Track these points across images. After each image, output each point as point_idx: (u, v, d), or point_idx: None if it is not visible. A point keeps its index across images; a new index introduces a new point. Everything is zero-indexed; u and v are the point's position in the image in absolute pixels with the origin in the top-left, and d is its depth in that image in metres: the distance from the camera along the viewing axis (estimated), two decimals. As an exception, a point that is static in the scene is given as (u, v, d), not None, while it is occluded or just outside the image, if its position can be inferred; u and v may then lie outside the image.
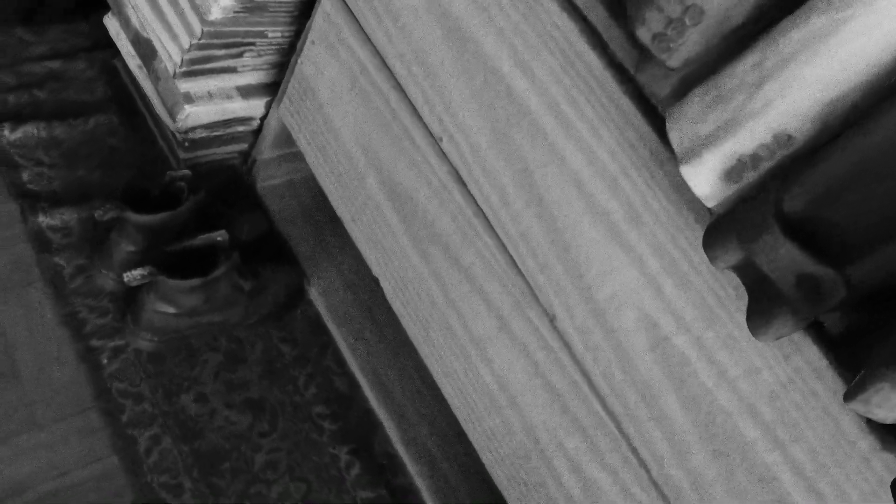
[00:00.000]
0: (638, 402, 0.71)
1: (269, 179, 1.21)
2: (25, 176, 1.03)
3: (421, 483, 1.05)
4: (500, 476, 0.90)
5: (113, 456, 0.90)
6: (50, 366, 0.92)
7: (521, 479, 0.87)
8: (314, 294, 1.15)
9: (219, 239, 0.92)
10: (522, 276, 0.79)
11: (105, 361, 0.95)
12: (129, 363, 0.97)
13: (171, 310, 0.93)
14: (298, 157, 1.22)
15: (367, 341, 1.14)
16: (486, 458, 0.91)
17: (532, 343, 0.80)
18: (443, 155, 0.83)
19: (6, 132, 1.04)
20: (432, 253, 0.89)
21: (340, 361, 1.11)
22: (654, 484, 0.72)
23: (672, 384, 0.68)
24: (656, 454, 0.71)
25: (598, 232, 0.70)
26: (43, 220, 1.00)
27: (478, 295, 0.84)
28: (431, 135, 0.84)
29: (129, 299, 0.98)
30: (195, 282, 0.90)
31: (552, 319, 0.77)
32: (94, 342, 0.96)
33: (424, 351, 0.94)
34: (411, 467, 1.06)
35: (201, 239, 0.92)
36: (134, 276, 0.85)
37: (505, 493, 0.90)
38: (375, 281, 1.21)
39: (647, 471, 0.72)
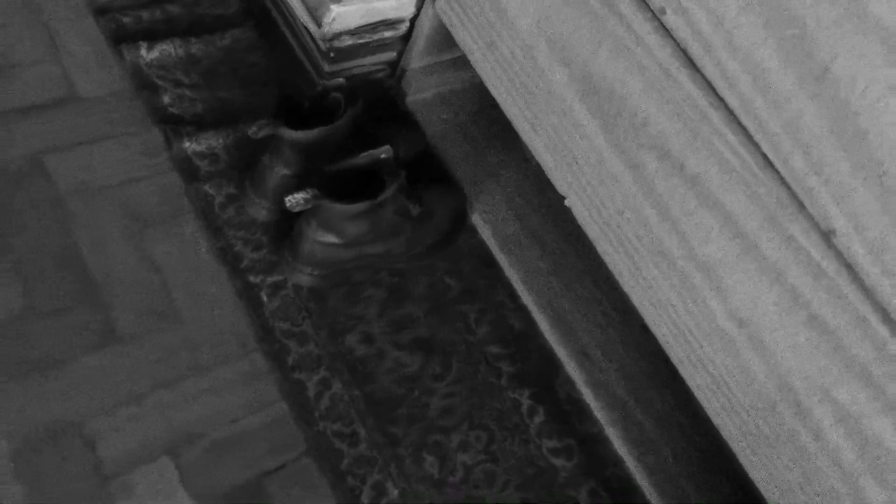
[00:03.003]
0: (966, 340, 0.53)
1: (419, 92, 1.07)
2: (166, 99, 0.94)
3: (612, 432, 0.92)
4: (728, 427, 0.75)
5: (282, 402, 0.82)
6: (209, 304, 0.84)
7: (760, 431, 0.72)
8: (477, 220, 1.01)
9: (383, 156, 0.80)
10: (782, 180, 0.61)
11: (265, 299, 0.86)
12: (290, 300, 0.88)
13: (334, 239, 0.82)
14: (451, 65, 1.07)
15: (540, 272, 1.00)
16: (712, 407, 0.75)
17: (792, 267, 0.63)
18: (665, 32, 0.66)
19: (143, 52, 0.95)
20: (644, 160, 0.72)
21: (513, 295, 0.98)
22: None
23: None
24: None
25: (920, 110, 0.51)
26: (188, 145, 0.91)
27: (710, 209, 0.67)
28: (649, 7, 0.66)
29: (285, 230, 0.88)
30: (363, 206, 0.78)
31: (829, 235, 0.59)
32: (252, 278, 0.87)
33: (628, 282, 0.79)
34: (599, 414, 0.93)
35: (364, 157, 0.80)
36: (297, 199, 0.74)
37: (734, 446, 0.75)
38: (548, 203, 1.06)
39: (976, 430, 0.55)
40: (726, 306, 0.69)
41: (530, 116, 0.83)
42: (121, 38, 0.96)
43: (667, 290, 0.74)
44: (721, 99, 0.63)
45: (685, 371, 0.76)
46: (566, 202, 0.84)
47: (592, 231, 0.81)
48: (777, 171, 0.61)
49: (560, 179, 0.83)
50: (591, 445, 0.91)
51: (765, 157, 0.62)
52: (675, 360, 0.77)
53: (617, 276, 0.80)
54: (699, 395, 0.76)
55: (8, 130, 0.87)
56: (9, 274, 0.79)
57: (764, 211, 0.63)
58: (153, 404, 0.78)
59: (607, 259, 0.81)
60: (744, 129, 0.62)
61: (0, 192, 0.83)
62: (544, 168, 0.84)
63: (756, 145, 0.62)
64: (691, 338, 0.74)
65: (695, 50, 0.64)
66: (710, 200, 0.67)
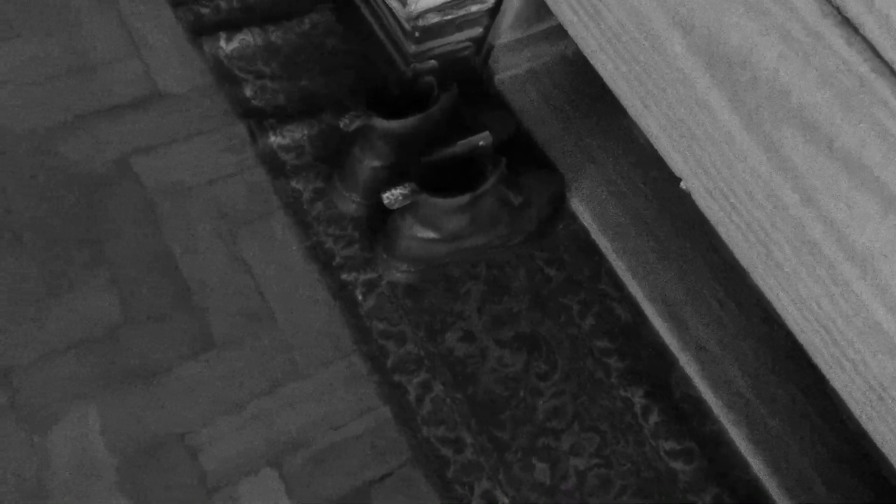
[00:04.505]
0: None
1: (508, 70, 1.00)
2: (248, 91, 0.91)
3: (735, 432, 0.84)
4: (883, 434, 0.67)
5: (383, 406, 0.78)
6: (304, 305, 0.81)
7: (924, 442, 0.63)
8: (576, 205, 0.94)
9: (482, 143, 0.74)
10: (968, 157, 0.52)
11: (360, 298, 0.82)
12: (385, 299, 0.83)
13: (432, 235, 0.77)
14: (541, 38, 0.99)
15: (646, 260, 0.92)
16: (864, 413, 0.67)
17: (976, 257, 0.54)
18: (814, -12, 0.57)
19: (222, 43, 0.92)
20: (782, 137, 0.63)
21: (618, 285, 0.91)
22: None
23: None
24: None
25: None
26: (273, 139, 0.88)
27: (867, 191, 0.59)
28: (794, -40, 0.57)
29: (377, 224, 0.84)
30: (463, 199, 0.72)
31: None
32: (345, 276, 0.83)
33: (761, 273, 0.71)
34: (720, 413, 0.85)
35: (462, 144, 0.74)
36: (395, 196, 0.69)
37: (894, 457, 0.67)
38: (653, 183, 0.98)
39: None
40: (886, 301, 0.61)
41: (642, 92, 0.75)
42: (199, 30, 0.93)
43: (810, 283, 0.66)
44: (886, 63, 0.54)
45: (832, 373, 0.68)
46: (682, 185, 0.76)
47: (716, 217, 0.73)
48: (960, 146, 0.52)
49: (677, 160, 0.75)
50: (713, 447, 0.84)
51: (944, 129, 0.53)
52: (819, 361, 0.69)
53: (746, 267, 0.72)
54: (847, 399, 0.68)
55: (94, 134, 0.86)
56: (106, 283, 0.78)
57: (940, 192, 0.54)
58: (253, 412, 0.75)
59: (734, 247, 0.73)
60: (916, 98, 0.53)
61: (91, 197, 0.82)
62: (658, 148, 0.76)
63: (932, 116, 0.53)
64: (840, 337, 0.66)
65: (851, 5, 0.55)
66: (867, 181, 0.58)
